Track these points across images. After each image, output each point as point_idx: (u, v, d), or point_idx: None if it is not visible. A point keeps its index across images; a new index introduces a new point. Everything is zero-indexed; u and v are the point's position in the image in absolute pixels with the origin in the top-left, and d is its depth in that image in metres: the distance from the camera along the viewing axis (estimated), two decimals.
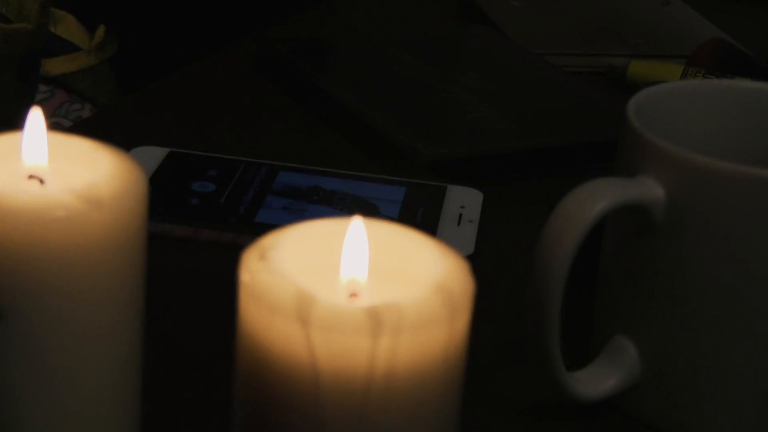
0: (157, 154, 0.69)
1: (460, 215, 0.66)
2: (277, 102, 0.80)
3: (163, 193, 0.65)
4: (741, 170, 0.48)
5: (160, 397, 0.48)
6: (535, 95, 0.82)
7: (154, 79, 0.82)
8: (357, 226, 0.38)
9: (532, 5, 0.99)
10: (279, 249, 0.38)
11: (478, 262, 0.62)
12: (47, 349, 0.39)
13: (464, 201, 0.67)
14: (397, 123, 0.74)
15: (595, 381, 0.52)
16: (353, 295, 0.38)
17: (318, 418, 0.36)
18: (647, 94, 0.54)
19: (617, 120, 0.53)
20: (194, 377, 0.53)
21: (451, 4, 1.01)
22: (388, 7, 1.00)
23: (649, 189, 0.49)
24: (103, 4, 1.06)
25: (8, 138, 0.41)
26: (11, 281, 0.38)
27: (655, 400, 0.52)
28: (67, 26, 1.02)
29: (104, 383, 0.40)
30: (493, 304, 0.58)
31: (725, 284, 0.49)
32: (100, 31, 1.02)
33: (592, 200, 0.48)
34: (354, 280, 0.38)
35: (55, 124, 0.96)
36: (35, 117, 0.40)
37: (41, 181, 0.40)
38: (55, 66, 0.99)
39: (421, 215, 0.65)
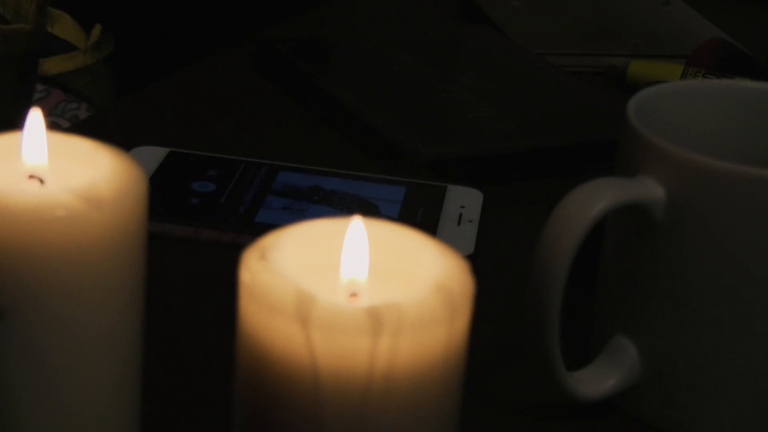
0: (157, 154, 0.69)
1: (460, 215, 0.66)
2: (277, 102, 0.80)
3: (163, 193, 0.65)
4: (741, 170, 0.48)
5: (160, 397, 0.48)
6: (535, 95, 0.82)
7: (151, 79, 0.82)
8: (357, 226, 0.38)
9: (532, 5, 0.99)
10: (279, 249, 0.38)
11: (478, 262, 0.62)
12: (47, 349, 0.39)
13: (464, 201, 0.67)
14: (397, 123, 0.74)
15: (595, 381, 0.52)
16: (353, 295, 0.38)
17: (318, 418, 0.36)
18: (647, 94, 0.54)
19: (617, 120, 0.53)
20: (194, 377, 0.53)
21: (451, 4, 1.01)
22: (388, 7, 1.00)
23: (649, 189, 0.49)
24: (99, 3, 1.06)
25: (8, 138, 0.41)
26: (11, 281, 0.38)
27: (655, 400, 0.52)
28: (64, 25, 1.02)
29: (104, 383, 0.40)
30: (493, 304, 0.58)
31: (725, 284, 0.49)
32: (97, 30, 1.02)
33: (592, 200, 0.48)
34: (354, 280, 0.38)
35: (52, 123, 0.96)
36: (35, 117, 0.40)
37: (41, 181, 0.40)
38: (51, 65, 0.99)
39: (421, 215, 0.65)
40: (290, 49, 0.84)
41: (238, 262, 0.37)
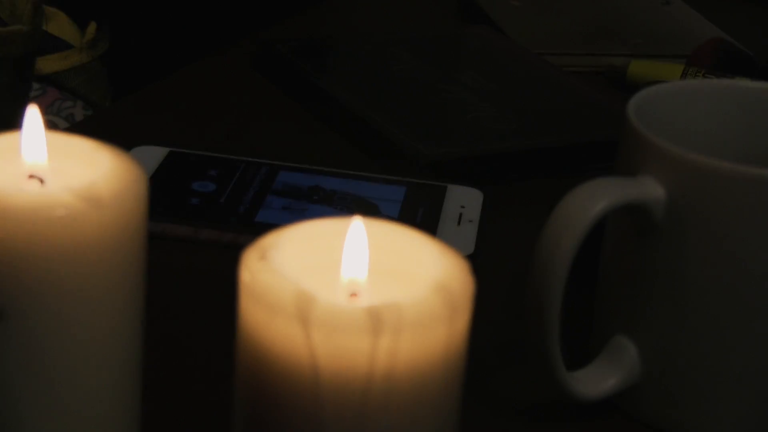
0: (157, 154, 0.69)
1: (460, 215, 0.66)
2: (277, 102, 0.80)
3: (163, 193, 0.65)
4: (741, 170, 0.48)
5: (160, 397, 0.48)
6: (535, 95, 0.82)
7: (147, 77, 0.82)
8: (357, 225, 0.38)
9: (532, 5, 0.99)
10: (279, 249, 0.38)
11: (478, 262, 0.62)
12: (47, 349, 0.39)
13: (464, 201, 0.67)
14: (397, 123, 0.74)
15: (595, 381, 0.52)
16: (353, 294, 0.38)
17: (318, 418, 0.36)
18: (647, 94, 0.54)
19: (617, 120, 0.53)
20: (194, 377, 0.53)
21: (451, 4, 1.01)
22: (388, 7, 1.00)
23: (649, 189, 0.49)
24: (93, 0, 1.06)
25: (7, 138, 0.41)
26: (11, 281, 0.38)
27: (655, 400, 0.52)
28: (58, 23, 1.02)
29: (104, 383, 0.40)
30: (493, 304, 0.58)
31: (725, 284, 0.49)
32: (92, 27, 1.02)
33: (592, 200, 0.48)
34: (354, 280, 0.38)
35: (48, 122, 0.96)
36: (33, 116, 0.40)
37: (41, 181, 0.40)
38: (47, 64, 0.99)
39: (421, 215, 0.65)
40: (290, 49, 0.84)
41: (238, 262, 0.37)
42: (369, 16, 0.99)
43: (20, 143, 0.40)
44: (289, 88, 0.81)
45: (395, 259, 0.39)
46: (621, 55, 0.90)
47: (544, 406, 0.53)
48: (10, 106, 0.87)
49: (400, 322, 0.35)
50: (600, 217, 0.48)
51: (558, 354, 0.49)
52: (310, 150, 0.74)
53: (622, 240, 0.52)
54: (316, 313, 0.35)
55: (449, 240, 0.62)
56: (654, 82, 0.57)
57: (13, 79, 0.87)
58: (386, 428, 0.36)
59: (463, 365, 0.38)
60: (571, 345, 0.51)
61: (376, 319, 0.35)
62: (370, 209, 0.65)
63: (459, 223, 0.65)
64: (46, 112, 1.00)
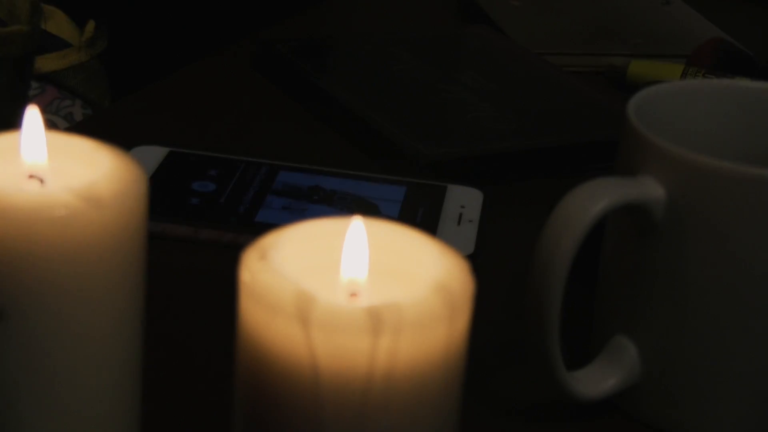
0: (157, 154, 0.69)
1: (460, 215, 0.66)
2: (277, 102, 0.80)
3: (163, 193, 0.65)
4: (741, 170, 0.48)
5: (160, 397, 0.48)
6: (535, 95, 0.82)
7: (146, 76, 0.82)
8: (357, 225, 0.38)
9: (532, 5, 0.99)
10: (279, 249, 0.38)
11: (478, 262, 0.62)
12: (47, 348, 0.39)
13: (464, 201, 0.67)
14: (397, 123, 0.74)
15: (595, 381, 0.52)
16: (353, 294, 0.38)
17: (318, 418, 0.36)
18: (647, 94, 0.54)
19: (617, 120, 0.53)
20: (194, 377, 0.53)
21: (451, 4, 1.01)
22: (388, 7, 1.00)
23: (649, 189, 0.49)
24: None
25: (7, 138, 0.41)
26: (11, 281, 0.38)
27: (655, 400, 0.52)
28: (57, 22, 1.02)
29: (104, 383, 0.40)
30: (493, 304, 0.58)
31: (725, 284, 0.49)
32: (90, 26, 1.02)
33: (592, 200, 0.48)
34: (354, 280, 0.38)
35: (47, 121, 0.96)
36: (33, 116, 0.40)
37: (41, 181, 0.40)
38: (45, 63, 0.99)
39: (421, 215, 0.65)
40: (290, 49, 0.84)
41: (238, 262, 0.37)
42: (369, 16, 0.99)
43: (20, 143, 0.40)
44: (289, 88, 0.81)
45: (395, 259, 0.39)
46: (621, 55, 0.90)
47: (544, 406, 0.53)
48: (9, 106, 0.87)
49: (400, 322, 0.35)
50: (600, 217, 0.48)
51: (558, 354, 0.49)
52: (310, 150, 0.74)
53: (622, 240, 0.52)
54: (316, 313, 0.35)
55: (449, 240, 0.62)
56: (654, 82, 0.57)
57: (13, 79, 0.87)
58: (386, 428, 0.36)
59: (463, 365, 0.38)
60: (571, 345, 0.51)
61: (376, 319, 0.35)
62: (370, 209, 0.65)
63: (459, 223, 0.65)
64: (44, 111, 0.99)
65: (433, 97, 0.80)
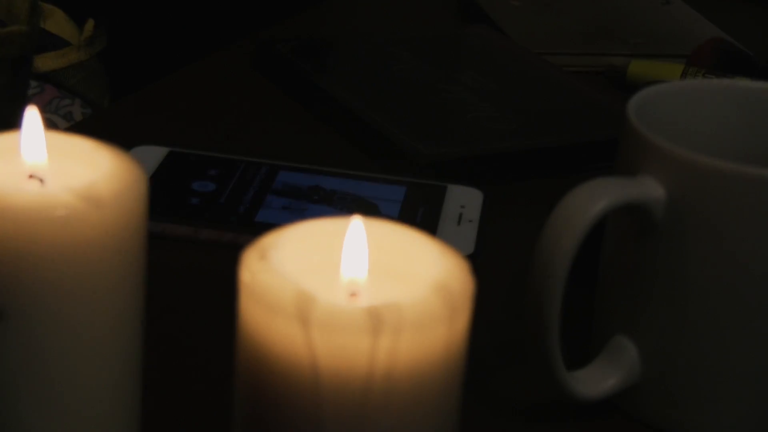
0: (157, 153, 0.69)
1: (460, 215, 0.66)
2: (277, 102, 0.80)
3: (163, 193, 0.65)
4: (741, 170, 0.48)
5: (160, 397, 0.48)
6: (535, 95, 0.82)
7: (145, 75, 0.82)
8: (357, 225, 0.38)
9: (532, 5, 0.99)
10: (279, 249, 0.38)
11: (478, 262, 0.62)
12: (47, 348, 0.39)
13: (464, 201, 0.67)
14: (397, 123, 0.74)
15: (595, 381, 0.52)
16: (353, 294, 0.38)
17: (318, 418, 0.36)
18: (647, 94, 0.54)
19: (617, 120, 0.53)
20: (194, 377, 0.53)
21: (451, 4, 1.01)
22: (388, 7, 1.00)
23: (649, 189, 0.49)
24: None
25: (6, 138, 0.41)
26: (11, 281, 0.38)
27: (655, 400, 0.52)
28: (56, 20, 1.01)
29: (104, 383, 0.40)
30: (493, 304, 0.58)
31: (725, 284, 0.49)
32: (89, 25, 1.02)
33: (592, 200, 0.48)
34: (354, 280, 0.38)
35: (46, 120, 0.96)
36: (32, 116, 0.40)
37: (41, 181, 0.40)
38: (45, 62, 0.99)
39: (421, 215, 0.65)
40: (290, 49, 0.84)
41: (238, 261, 0.37)
42: (369, 16, 0.99)
43: (20, 143, 0.40)
44: (289, 88, 0.81)
45: (395, 259, 0.39)
46: (621, 55, 0.90)
47: (544, 406, 0.53)
48: (8, 106, 0.87)
49: (400, 322, 0.35)
50: (600, 217, 0.48)
51: (558, 354, 0.49)
52: (310, 150, 0.74)
53: (622, 240, 0.52)
54: (316, 313, 0.35)
55: (449, 240, 0.62)
56: (654, 82, 0.57)
57: (11, 79, 0.87)
58: (386, 428, 0.36)
59: (463, 365, 0.38)
60: (571, 345, 0.51)
61: (376, 319, 0.35)
62: (370, 209, 0.65)
63: (459, 223, 0.65)
64: (44, 110, 0.99)
65: (433, 97, 0.80)
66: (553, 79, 0.84)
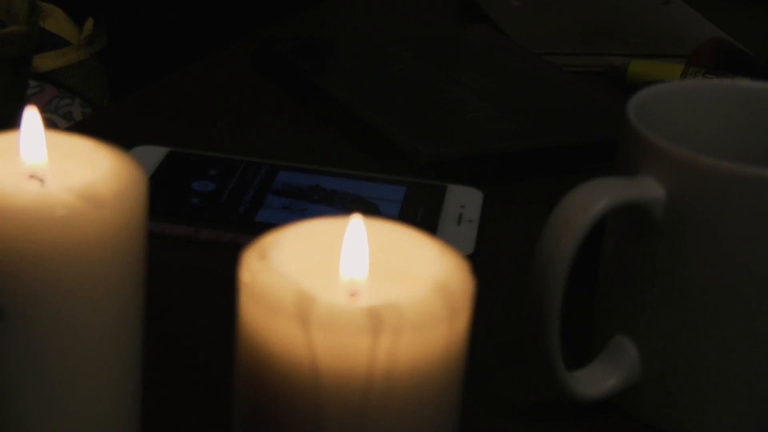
0: (157, 153, 0.69)
1: (460, 215, 0.66)
2: (277, 102, 0.80)
3: (163, 193, 0.65)
4: (741, 170, 0.48)
5: (160, 397, 0.48)
6: (535, 95, 0.82)
7: (145, 75, 0.82)
8: (357, 225, 0.38)
9: (532, 5, 0.99)
10: (279, 248, 0.38)
11: (478, 262, 0.62)
12: (47, 348, 0.39)
13: (464, 201, 0.67)
14: (397, 123, 0.74)
15: (595, 381, 0.52)
16: (353, 294, 0.38)
17: (318, 418, 0.36)
18: (647, 94, 0.54)
19: (617, 120, 0.53)
20: (194, 377, 0.53)
21: (451, 4, 1.01)
22: (388, 7, 1.00)
23: (649, 189, 0.49)
24: None
25: (6, 138, 0.41)
26: (11, 281, 0.38)
27: (655, 400, 0.52)
28: (56, 20, 1.01)
29: (104, 383, 0.40)
30: (493, 304, 0.58)
31: (725, 284, 0.49)
32: (89, 24, 1.02)
33: (592, 200, 0.48)
34: (354, 280, 0.38)
35: (46, 120, 0.96)
36: (32, 116, 0.40)
37: (41, 181, 0.40)
38: (44, 62, 0.99)
39: (421, 215, 0.65)
40: (290, 49, 0.84)
41: (238, 261, 0.37)
42: (369, 16, 0.99)
43: (20, 143, 0.40)
44: (289, 88, 0.81)
45: (395, 259, 0.39)
46: (621, 55, 0.90)
47: (544, 406, 0.53)
48: (7, 106, 0.87)
49: (400, 322, 0.35)
50: (600, 217, 0.48)
51: (558, 354, 0.49)
52: (310, 150, 0.74)
53: (622, 240, 0.52)
54: (316, 313, 0.35)
55: (449, 240, 0.62)
56: (654, 82, 0.57)
57: (11, 79, 0.87)
58: (386, 428, 0.36)
59: (463, 365, 0.38)
60: (571, 345, 0.51)
61: (376, 319, 0.35)
62: (370, 209, 0.65)
63: (459, 222, 0.65)
64: (43, 109, 0.99)
65: (433, 97, 0.80)
66: (553, 79, 0.84)
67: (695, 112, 0.56)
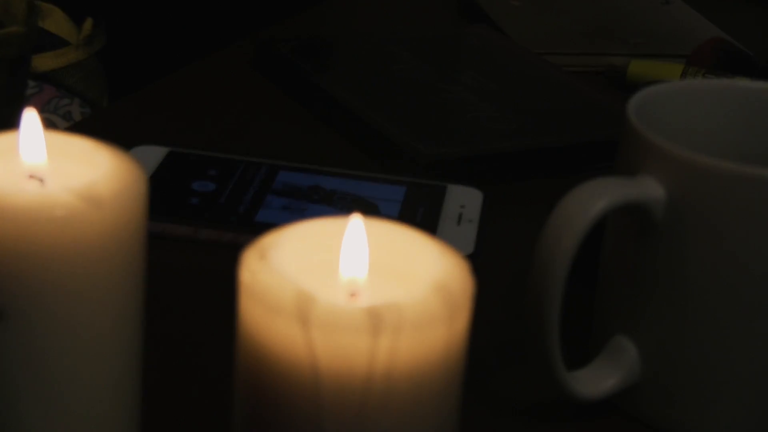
0: (157, 153, 0.68)
1: (460, 215, 0.66)
2: (277, 102, 0.80)
3: (163, 193, 0.65)
4: (741, 170, 0.48)
5: (160, 397, 0.48)
6: (535, 95, 0.82)
7: (144, 75, 0.82)
8: (356, 225, 0.38)
9: (532, 5, 0.99)
10: (279, 248, 0.38)
11: (478, 262, 0.62)
12: (47, 349, 0.39)
13: (464, 201, 0.67)
14: (397, 123, 0.74)
15: (595, 381, 0.52)
16: (353, 294, 0.38)
17: (318, 418, 0.36)
18: (647, 94, 0.54)
19: (617, 120, 0.53)
20: (194, 377, 0.53)
21: (451, 4, 1.01)
22: (388, 7, 1.00)
23: (649, 189, 0.49)
24: None
25: (6, 138, 0.41)
26: (11, 281, 0.38)
27: (655, 400, 0.52)
28: (55, 20, 1.01)
29: (104, 383, 0.40)
30: (493, 304, 0.58)
31: (725, 284, 0.49)
32: (88, 24, 1.02)
33: (592, 200, 0.48)
34: (354, 280, 0.38)
35: (45, 120, 0.96)
36: (31, 116, 0.40)
37: (41, 181, 0.40)
38: (43, 62, 0.99)
39: (421, 215, 0.65)
40: (290, 49, 0.84)
41: (238, 261, 0.37)
42: (369, 16, 0.99)
43: (19, 143, 0.40)
44: (289, 88, 0.81)
45: (395, 258, 0.39)
46: (621, 55, 0.90)
47: (544, 406, 0.53)
48: (6, 106, 0.87)
49: (400, 322, 0.35)
50: (600, 217, 0.48)
51: (558, 354, 0.49)
52: (310, 150, 0.74)
53: (622, 240, 0.52)
54: (316, 313, 0.35)
55: (449, 240, 0.62)
56: (654, 82, 0.57)
57: (10, 79, 0.87)
58: (386, 428, 0.36)
59: (463, 365, 0.38)
60: (571, 345, 0.51)
61: (376, 319, 0.35)
62: (370, 209, 0.65)
63: (459, 222, 0.65)
64: (42, 110, 0.99)
65: (433, 97, 0.80)
66: (553, 79, 0.84)
67: (695, 112, 0.56)
